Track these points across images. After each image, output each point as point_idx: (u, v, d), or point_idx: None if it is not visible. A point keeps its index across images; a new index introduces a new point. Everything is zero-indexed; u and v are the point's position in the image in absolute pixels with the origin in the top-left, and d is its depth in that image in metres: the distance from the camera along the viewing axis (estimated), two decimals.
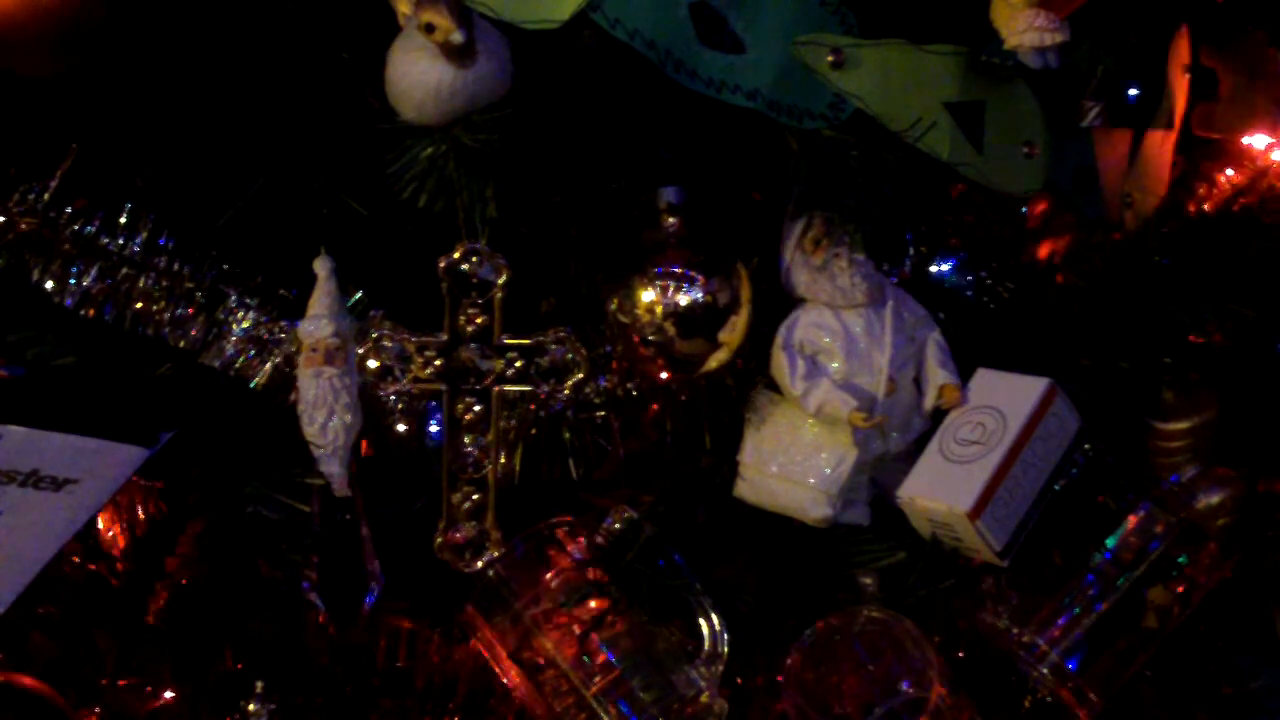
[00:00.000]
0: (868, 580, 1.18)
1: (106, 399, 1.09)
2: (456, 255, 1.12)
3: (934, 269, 1.26)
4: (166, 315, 1.12)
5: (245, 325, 1.13)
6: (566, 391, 1.15)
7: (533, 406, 1.17)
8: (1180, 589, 1.17)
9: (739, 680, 1.18)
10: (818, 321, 1.15)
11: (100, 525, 1.21)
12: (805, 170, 1.10)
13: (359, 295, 1.15)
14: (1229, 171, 1.37)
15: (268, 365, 1.14)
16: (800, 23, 1.06)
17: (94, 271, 1.11)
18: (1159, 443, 1.29)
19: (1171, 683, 1.22)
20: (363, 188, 1.12)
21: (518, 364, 1.15)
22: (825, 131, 1.08)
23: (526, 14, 1.01)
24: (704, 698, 1.11)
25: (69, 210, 1.10)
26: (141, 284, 1.12)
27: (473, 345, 1.14)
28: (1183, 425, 1.28)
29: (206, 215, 1.12)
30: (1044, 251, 1.31)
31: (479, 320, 1.14)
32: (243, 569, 1.15)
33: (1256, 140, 1.38)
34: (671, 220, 1.14)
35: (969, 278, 1.26)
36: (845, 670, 1.14)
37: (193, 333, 1.13)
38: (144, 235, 1.12)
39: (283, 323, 1.14)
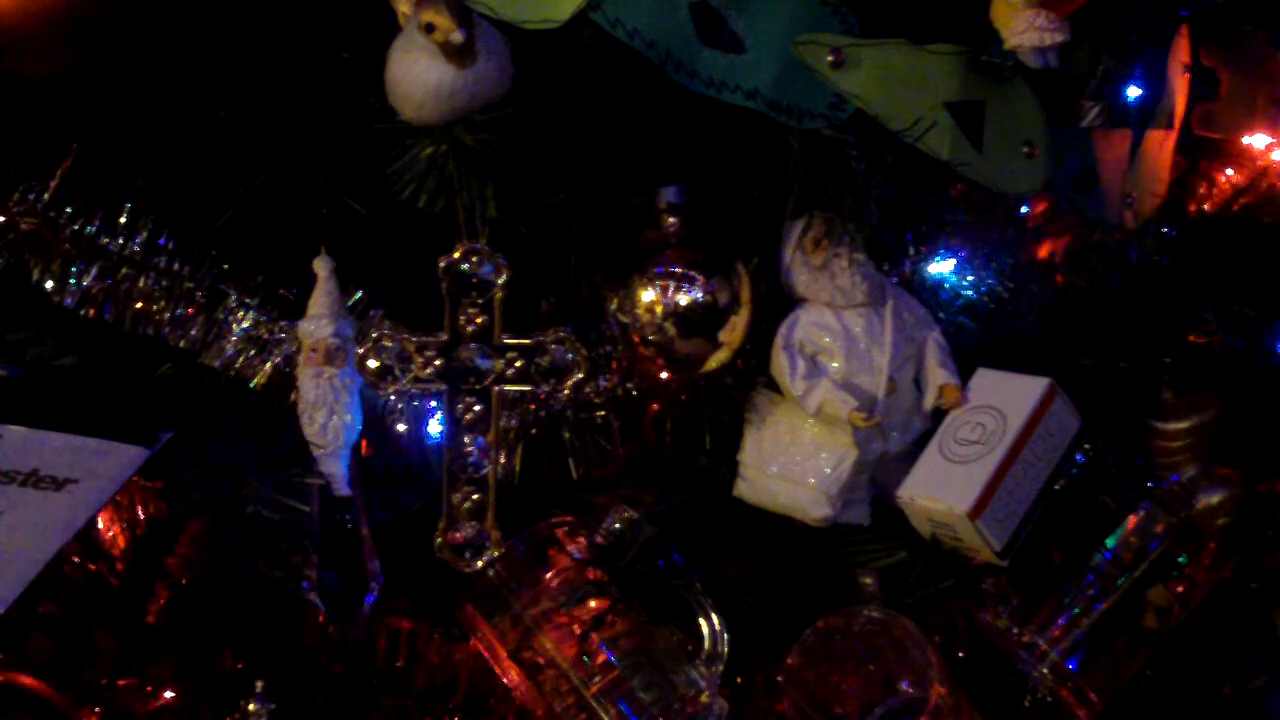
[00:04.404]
0: (868, 580, 1.18)
1: (106, 399, 1.09)
2: (456, 255, 1.12)
3: (934, 269, 1.26)
4: (166, 315, 1.12)
5: (245, 325, 1.13)
6: (566, 391, 1.16)
7: (533, 406, 1.17)
8: (1180, 589, 1.17)
9: (739, 680, 1.18)
10: (818, 321, 1.15)
11: (100, 525, 1.21)
12: (805, 170, 1.10)
13: (359, 295, 1.15)
14: (1229, 171, 1.38)
15: (268, 365, 1.14)
16: (800, 22, 1.06)
17: (94, 271, 1.11)
18: (1159, 443, 1.29)
19: (1171, 683, 1.22)
20: (363, 188, 1.12)
21: (518, 364, 1.15)
22: (825, 131, 1.08)
23: (526, 14, 1.01)
24: (704, 698, 1.11)
25: (69, 210, 1.10)
26: (141, 284, 1.12)
27: (473, 345, 1.14)
28: (1183, 425, 1.28)
29: (206, 215, 1.12)
30: (1044, 251, 1.31)
31: (479, 320, 1.14)
32: (243, 569, 1.15)
33: (1256, 140, 1.38)
34: (671, 220, 1.14)
35: (969, 278, 1.26)
36: (845, 670, 1.14)
37: (193, 333, 1.13)
38: (144, 235, 1.12)
39: (283, 323, 1.14)
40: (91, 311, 1.11)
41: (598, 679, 1.10)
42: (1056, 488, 1.16)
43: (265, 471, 1.14)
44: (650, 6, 1.02)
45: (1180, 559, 1.17)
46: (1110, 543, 1.17)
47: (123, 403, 1.10)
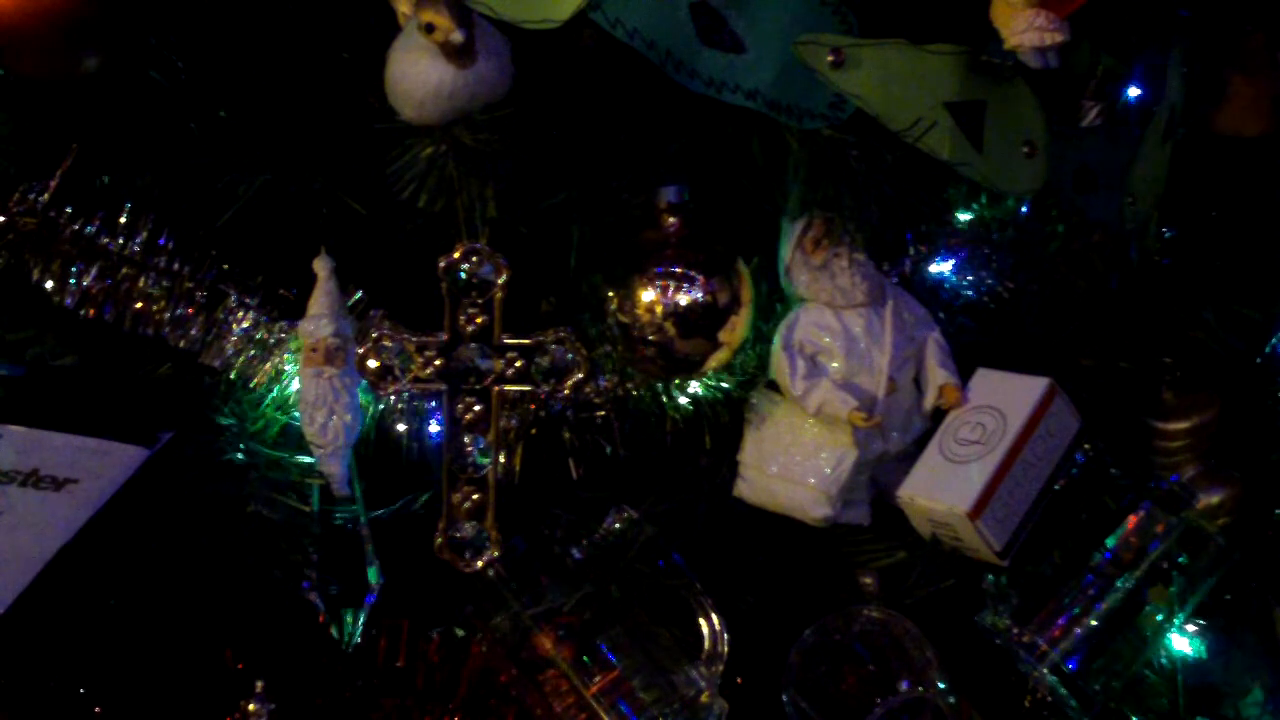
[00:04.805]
0: (868, 580, 1.18)
1: (106, 399, 1.09)
2: (456, 255, 1.13)
3: (934, 269, 1.26)
4: (166, 315, 1.12)
5: (245, 325, 1.13)
6: (566, 391, 1.16)
7: (533, 406, 1.17)
8: (1180, 589, 1.17)
9: (739, 680, 1.18)
10: (818, 321, 1.15)
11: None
12: (805, 170, 1.10)
13: (359, 295, 1.15)
14: (1229, 172, 1.37)
15: (267, 365, 1.14)
16: (800, 22, 1.06)
17: (94, 271, 1.11)
18: (1159, 443, 1.29)
19: (1170, 681, 1.22)
20: (363, 188, 1.12)
21: (518, 364, 1.15)
22: (825, 131, 1.08)
23: (526, 14, 1.01)
24: (704, 698, 1.11)
25: (69, 210, 1.10)
26: (141, 284, 1.11)
27: (473, 345, 1.15)
28: (1183, 425, 1.28)
29: (206, 215, 1.12)
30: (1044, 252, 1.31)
31: (479, 320, 1.14)
32: (243, 569, 1.15)
33: (1257, 139, 1.38)
34: (671, 220, 1.14)
35: (969, 278, 1.26)
36: (845, 670, 1.14)
37: (193, 333, 1.13)
38: (144, 235, 1.12)
39: (283, 323, 1.14)
40: (91, 311, 1.11)
41: (598, 679, 1.10)
42: (1056, 488, 1.16)
43: (265, 471, 1.14)
44: (650, 6, 1.02)
45: (1180, 559, 1.17)
46: (1110, 543, 1.17)
47: (123, 403, 1.10)
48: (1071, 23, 1.06)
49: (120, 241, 1.11)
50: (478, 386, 1.15)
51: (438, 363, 1.14)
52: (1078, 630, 1.15)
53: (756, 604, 1.19)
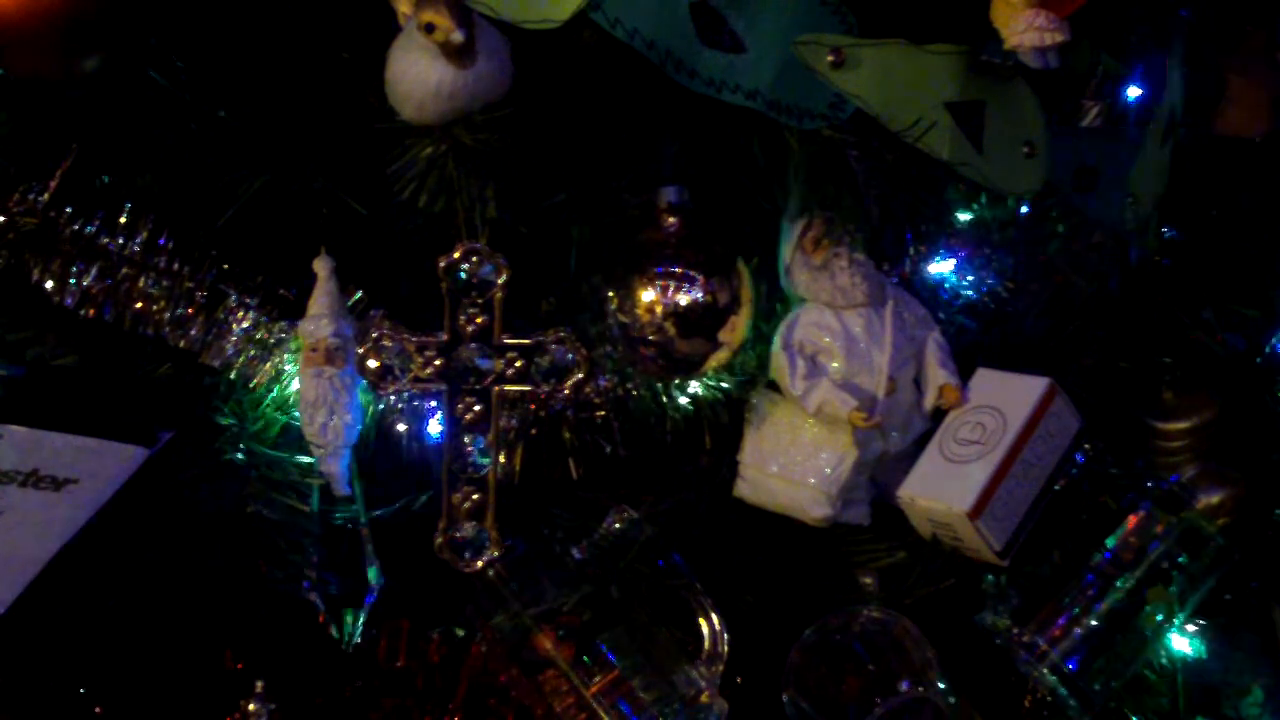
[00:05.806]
0: (868, 580, 1.18)
1: (106, 399, 1.10)
2: (456, 255, 1.13)
3: (934, 269, 1.26)
4: (166, 315, 1.12)
5: (245, 325, 1.13)
6: (566, 391, 1.15)
7: (533, 406, 1.17)
8: (1180, 589, 1.17)
9: (739, 680, 1.18)
10: (818, 321, 1.15)
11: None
12: (805, 170, 1.10)
13: (359, 295, 1.15)
14: (1229, 171, 1.38)
15: (267, 365, 1.14)
16: (800, 22, 1.06)
17: (94, 271, 1.11)
18: (1159, 443, 1.29)
19: (1171, 682, 1.22)
20: (363, 188, 1.12)
21: (518, 364, 1.15)
22: (825, 131, 1.08)
23: (526, 14, 1.01)
24: (704, 698, 1.11)
25: (69, 210, 1.10)
26: (141, 284, 1.12)
27: (473, 345, 1.14)
28: (1183, 425, 1.28)
29: (206, 215, 1.12)
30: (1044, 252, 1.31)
31: (479, 320, 1.14)
32: (243, 569, 1.15)
33: (1257, 139, 1.38)
34: (671, 220, 1.14)
35: (969, 278, 1.26)
36: (845, 670, 1.14)
37: (193, 333, 1.13)
38: (144, 235, 1.12)
39: (283, 323, 1.14)
40: (91, 311, 1.11)
41: (598, 679, 1.10)
42: (1056, 488, 1.16)
43: (265, 471, 1.14)
44: (650, 6, 1.02)
45: (1180, 559, 1.17)
46: (1110, 543, 1.17)
47: (123, 403, 1.10)
48: (1071, 23, 1.06)
49: (120, 241, 1.11)
50: (478, 386, 1.15)
51: (438, 363, 1.14)
52: (1078, 630, 1.14)
53: (756, 604, 1.19)
